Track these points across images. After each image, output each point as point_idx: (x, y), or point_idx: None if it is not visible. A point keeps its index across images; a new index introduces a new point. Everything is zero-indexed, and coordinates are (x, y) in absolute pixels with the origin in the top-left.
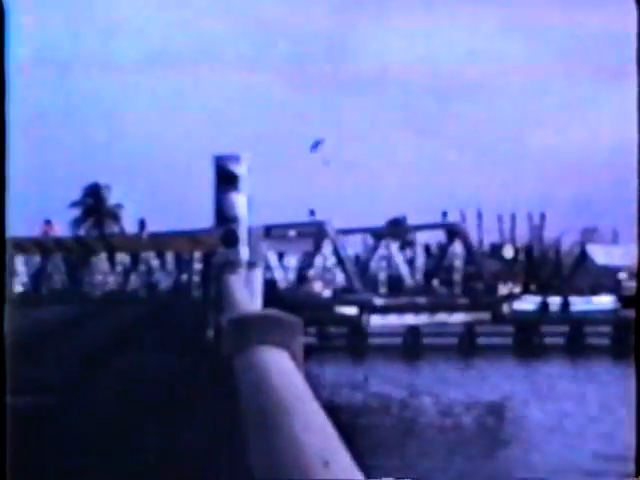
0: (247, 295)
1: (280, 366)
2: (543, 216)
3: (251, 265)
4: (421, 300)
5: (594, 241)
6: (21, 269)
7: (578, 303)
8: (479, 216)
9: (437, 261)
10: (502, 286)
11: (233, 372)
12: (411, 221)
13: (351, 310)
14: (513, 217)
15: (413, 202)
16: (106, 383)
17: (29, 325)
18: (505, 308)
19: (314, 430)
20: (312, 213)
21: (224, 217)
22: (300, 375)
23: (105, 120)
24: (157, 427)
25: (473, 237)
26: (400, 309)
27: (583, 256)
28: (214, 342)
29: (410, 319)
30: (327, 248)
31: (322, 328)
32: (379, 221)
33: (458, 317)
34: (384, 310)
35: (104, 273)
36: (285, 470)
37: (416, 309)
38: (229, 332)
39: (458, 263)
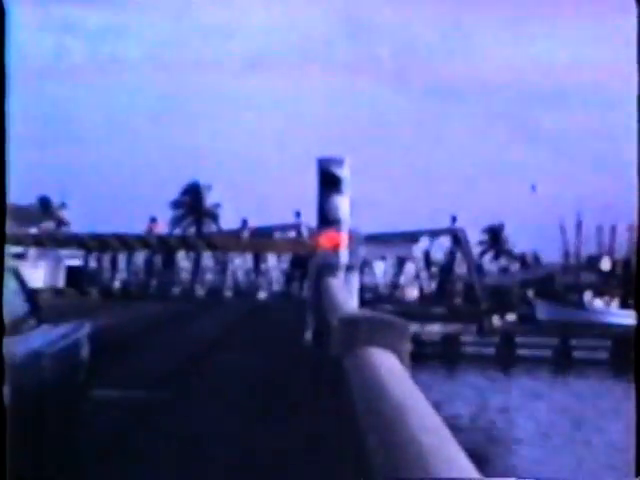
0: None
1: (390, 367)
2: None
3: (349, 268)
4: (388, 308)
5: None
6: (122, 266)
7: None
8: (578, 226)
9: (444, 268)
10: (598, 298)
11: (343, 372)
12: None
13: None
14: (613, 229)
15: (513, 208)
16: (214, 385)
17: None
18: (495, 321)
19: (430, 430)
20: (298, 215)
21: (327, 219)
22: (409, 376)
23: (210, 121)
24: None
25: (571, 248)
26: None
27: None
28: (312, 344)
29: None
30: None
31: None
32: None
33: (434, 328)
34: None
35: (187, 271)
36: (407, 468)
37: None
38: (338, 333)
39: (459, 271)
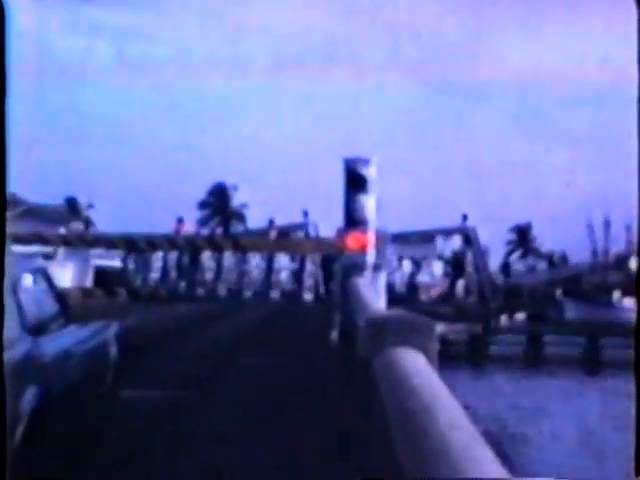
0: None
1: (418, 367)
2: None
3: (376, 268)
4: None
5: None
6: (156, 265)
7: None
8: (606, 225)
9: (454, 268)
10: (627, 298)
11: (371, 371)
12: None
13: None
14: None
15: (538, 208)
16: (240, 383)
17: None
18: (503, 320)
19: (459, 429)
20: (306, 214)
21: (353, 219)
22: (437, 376)
23: (237, 121)
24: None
25: (600, 247)
26: None
27: None
28: (339, 344)
29: None
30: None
31: None
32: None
33: (439, 328)
34: None
35: (211, 271)
36: (436, 467)
37: None
38: (366, 333)
39: (470, 270)
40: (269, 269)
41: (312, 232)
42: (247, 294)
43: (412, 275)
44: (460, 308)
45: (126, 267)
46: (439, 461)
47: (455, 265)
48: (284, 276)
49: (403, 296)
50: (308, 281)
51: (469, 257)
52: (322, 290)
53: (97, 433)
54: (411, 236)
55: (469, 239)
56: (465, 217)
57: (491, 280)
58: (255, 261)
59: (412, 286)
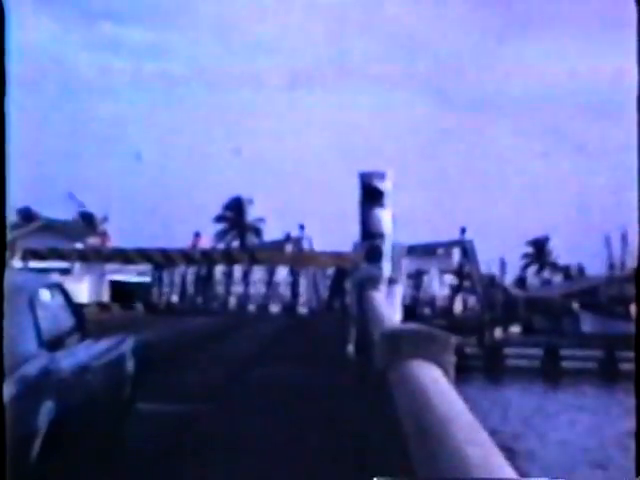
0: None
1: (435, 380)
2: None
3: (392, 281)
4: None
5: None
6: (176, 280)
7: None
8: (623, 239)
9: (458, 282)
10: None
11: (387, 384)
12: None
13: None
14: None
15: (558, 221)
16: (258, 398)
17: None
18: (497, 333)
19: (476, 442)
20: (302, 228)
21: (370, 233)
22: (453, 389)
23: (251, 136)
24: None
25: (617, 259)
26: None
27: None
28: (355, 358)
29: None
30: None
31: None
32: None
33: None
34: None
35: (223, 285)
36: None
37: None
38: (382, 346)
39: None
40: (269, 283)
41: (306, 246)
42: (252, 307)
43: (416, 288)
44: (456, 321)
45: (154, 282)
46: (456, 474)
47: (457, 278)
48: (283, 289)
49: (409, 309)
50: (303, 295)
51: (466, 270)
52: (315, 304)
53: (114, 447)
54: (412, 249)
55: (466, 252)
56: (463, 230)
57: (496, 292)
58: (259, 275)
59: (415, 300)
